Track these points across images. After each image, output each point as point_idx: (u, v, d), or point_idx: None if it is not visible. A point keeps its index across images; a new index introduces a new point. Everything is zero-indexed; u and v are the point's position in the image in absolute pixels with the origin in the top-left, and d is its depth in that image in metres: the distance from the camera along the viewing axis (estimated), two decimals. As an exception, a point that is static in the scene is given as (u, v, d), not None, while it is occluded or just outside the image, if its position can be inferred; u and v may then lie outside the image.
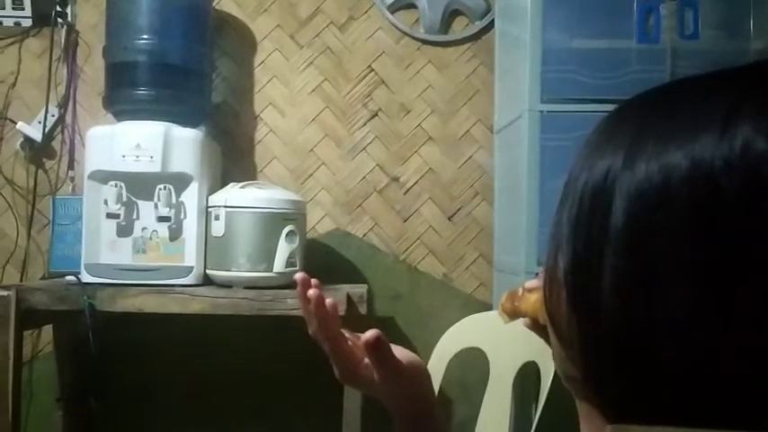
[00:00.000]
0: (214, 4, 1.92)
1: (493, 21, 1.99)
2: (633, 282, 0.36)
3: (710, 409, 0.34)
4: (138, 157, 1.61)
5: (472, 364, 1.67)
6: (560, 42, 1.54)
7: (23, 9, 1.97)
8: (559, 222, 0.41)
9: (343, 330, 0.62)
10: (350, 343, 0.61)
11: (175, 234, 1.66)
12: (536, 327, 0.56)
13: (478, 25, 2.02)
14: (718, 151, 0.34)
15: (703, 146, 0.35)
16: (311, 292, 0.60)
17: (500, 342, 1.60)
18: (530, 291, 0.54)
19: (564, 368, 0.43)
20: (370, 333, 0.57)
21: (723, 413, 0.34)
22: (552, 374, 1.46)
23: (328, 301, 0.61)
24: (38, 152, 1.99)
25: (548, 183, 1.51)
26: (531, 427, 1.49)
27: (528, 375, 1.55)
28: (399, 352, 0.62)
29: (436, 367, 1.61)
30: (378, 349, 0.57)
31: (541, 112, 1.53)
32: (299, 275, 0.62)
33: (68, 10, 1.98)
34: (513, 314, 0.57)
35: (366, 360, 0.59)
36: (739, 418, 0.33)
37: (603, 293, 0.37)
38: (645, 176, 0.36)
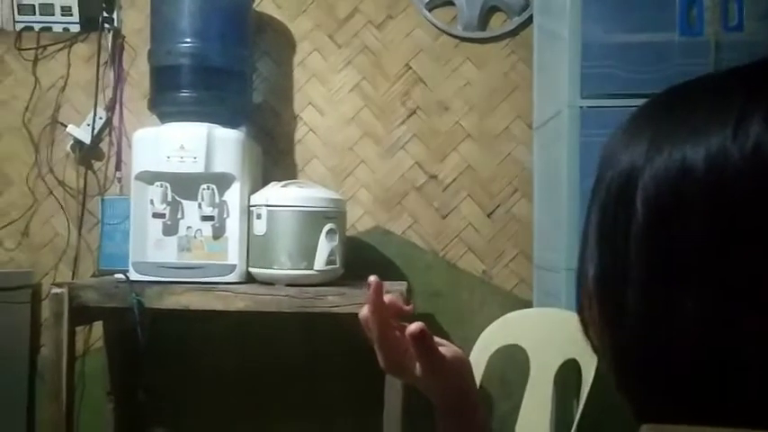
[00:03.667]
0: (254, 5, 1.95)
1: (531, 16, 1.97)
2: (654, 292, 0.36)
3: (730, 410, 0.35)
4: (182, 158, 1.65)
5: (512, 361, 1.67)
6: (600, 37, 1.52)
7: (72, 15, 2.03)
8: (587, 227, 0.41)
9: (392, 320, 0.63)
10: (397, 333, 0.62)
11: (219, 233, 1.70)
12: None
13: (516, 21, 2.01)
14: (731, 153, 0.35)
15: (716, 147, 0.35)
16: (372, 277, 0.61)
17: (540, 339, 1.59)
18: None
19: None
20: (415, 326, 0.58)
21: (742, 413, 0.34)
22: (594, 372, 1.45)
23: (390, 295, 0.63)
24: (87, 154, 2.05)
25: (588, 179, 1.49)
26: (573, 424, 1.48)
27: (569, 373, 1.54)
28: (443, 346, 0.63)
29: (476, 364, 1.61)
30: (422, 341, 0.59)
31: (581, 107, 1.52)
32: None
33: (115, 15, 2.04)
34: None
35: (411, 351, 0.60)
36: (758, 417, 0.34)
37: (628, 304, 0.37)
38: (660, 181, 0.37)
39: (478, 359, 1.61)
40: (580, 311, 0.43)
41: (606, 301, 0.39)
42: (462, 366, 0.64)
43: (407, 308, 0.65)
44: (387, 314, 0.62)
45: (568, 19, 1.53)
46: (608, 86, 1.51)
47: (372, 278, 0.61)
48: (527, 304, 1.92)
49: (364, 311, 0.62)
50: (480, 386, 1.64)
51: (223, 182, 1.68)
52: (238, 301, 1.58)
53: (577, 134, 1.52)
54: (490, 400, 1.93)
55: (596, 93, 1.52)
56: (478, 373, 1.60)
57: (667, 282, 0.36)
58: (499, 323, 1.68)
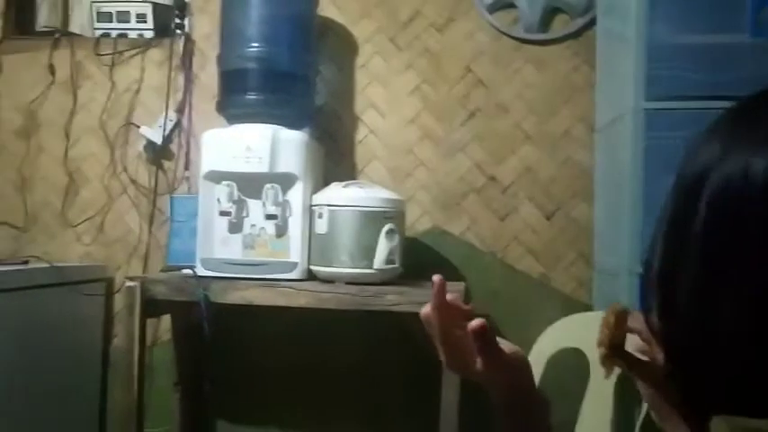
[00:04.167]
0: (318, 10, 2.00)
1: (594, 18, 1.95)
2: (705, 287, 0.38)
3: None
4: (248, 158, 1.71)
5: (571, 365, 1.66)
6: (667, 38, 1.49)
7: (146, 22, 2.13)
8: (661, 220, 0.43)
9: (453, 318, 0.65)
10: (458, 331, 0.64)
11: (281, 231, 1.75)
12: (610, 356, 0.60)
13: (579, 22, 1.99)
14: None
15: None
16: (436, 276, 0.64)
17: (600, 343, 1.57)
18: (606, 323, 0.60)
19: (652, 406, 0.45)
20: (476, 321, 0.61)
21: None
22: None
23: (452, 294, 0.65)
24: (158, 154, 2.15)
25: (652, 182, 1.48)
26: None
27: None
28: (503, 344, 0.65)
29: (534, 366, 1.60)
30: (483, 336, 0.61)
31: (646, 110, 1.50)
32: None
33: (186, 22, 2.13)
34: (599, 350, 0.64)
35: (472, 348, 0.62)
36: None
37: (681, 295, 0.39)
38: (724, 186, 0.38)
39: (536, 362, 1.61)
40: (643, 298, 0.44)
41: (663, 289, 0.41)
42: (522, 364, 0.66)
43: (467, 307, 0.67)
44: (448, 312, 0.64)
45: (634, 20, 1.51)
46: (674, 89, 1.48)
47: (436, 277, 0.64)
48: (586, 308, 1.90)
49: (426, 309, 0.65)
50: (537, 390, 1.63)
51: (287, 182, 1.73)
52: (300, 298, 1.63)
53: (641, 137, 1.50)
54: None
55: (662, 95, 1.49)
56: (536, 376, 1.60)
57: (718, 279, 0.37)
58: (558, 326, 1.67)
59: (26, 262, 1.95)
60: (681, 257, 0.40)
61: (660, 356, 0.70)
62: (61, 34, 2.20)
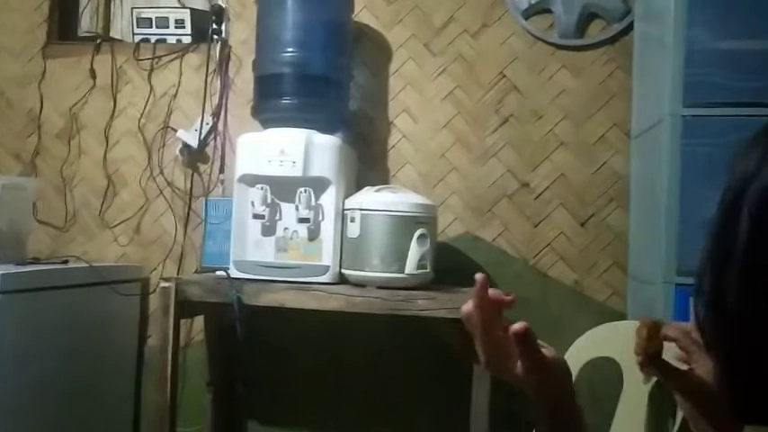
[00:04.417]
0: (353, 16, 2.01)
1: (632, 23, 1.93)
2: (750, 301, 0.37)
3: None
4: (282, 162, 1.73)
5: (604, 375, 1.64)
6: (705, 43, 1.47)
7: (184, 28, 2.17)
8: (706, 238, 0.43)
9: (495, 319, 0.65)
10: (499, 333, 0.64)
11: (314, 235, 1.76)
12: (647, 365, 0.61)
13: (616, 28, 1.97)
14: None
15: None
16: (478, 275, 0.64)
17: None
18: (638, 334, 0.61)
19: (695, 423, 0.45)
20: (518, 325, 0.61)
21: None
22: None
23: (493, 290, 0.65)
24: (194, 157, 2.18)
25: (689, 189, 1.45)
26: (667, 442, 1.43)
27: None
28: (544, 348, 0.65)
29: (566, 375, 1.59)
30: (524, 339, 0.61)
31: (684, 116, 1.48)
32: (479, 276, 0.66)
33: (223, 27, 2.16)
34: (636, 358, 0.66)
35: (512, 349, 0.62)
36: None
37: (728, 300, 0.38)
38: (765, 194, 0.37)
39: (568, 370, 1.59)
40: (695, 303, 0.44)
41: (709, 303, 0.41)
42: (560, 368, 0.66)
43: (508, 298, 0.66)
44: (490, 309, 0.64)
45: (673, 24, 1.49)
46: (712, 95, 1.46)
47: (479, 275, 0.64)
48: (621, 316, 1.87)
49: (468, 307, 0.65)
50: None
51: (319, 185, 1.75)
52: (332, 301, 1.63)
53: (679, 143, 1.47)
54: (579, 413, 1.89)
55: (700, 101, 1.47)
56: (568, 384, 1.58)
57: (761, 288, 0.37)
58: (591, 334, 1.65)
59: (66, 261, 2.00)
60: (726, 271, 0.39)
61: (698, 366, 0.69)
62: (102, 40, 2.25)
